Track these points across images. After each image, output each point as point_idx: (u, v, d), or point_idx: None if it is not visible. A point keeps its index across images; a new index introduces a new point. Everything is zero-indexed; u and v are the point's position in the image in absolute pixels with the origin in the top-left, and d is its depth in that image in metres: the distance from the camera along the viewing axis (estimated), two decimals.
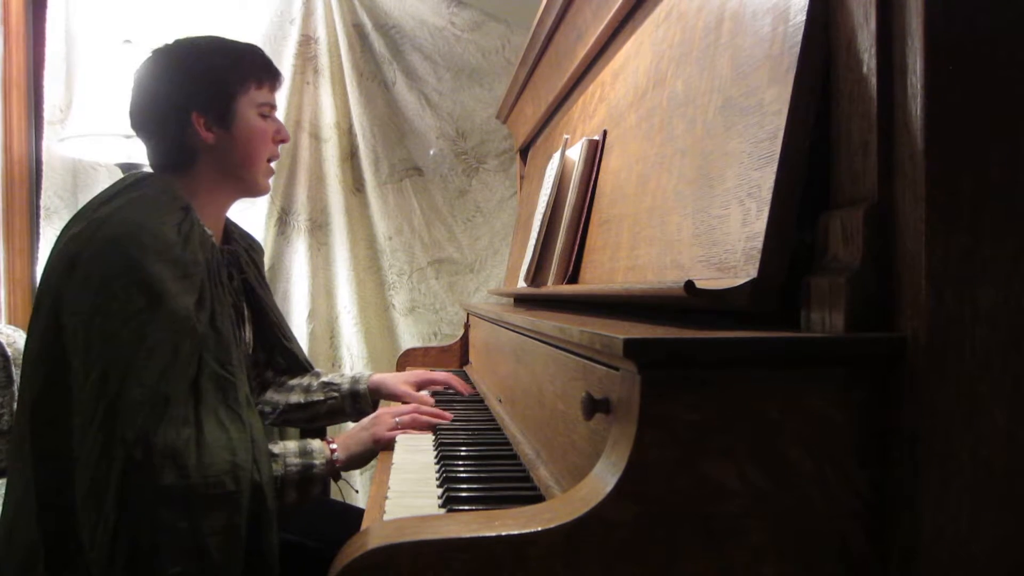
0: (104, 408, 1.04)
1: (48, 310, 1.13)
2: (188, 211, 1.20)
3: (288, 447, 1.23)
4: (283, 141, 1.37)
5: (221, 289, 1.23)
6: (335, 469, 1.26)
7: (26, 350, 1.17)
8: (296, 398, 1.58)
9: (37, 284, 1.23)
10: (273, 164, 1.39)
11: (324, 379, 1.62)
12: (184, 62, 1.29)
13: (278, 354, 1.58)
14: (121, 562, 1.03)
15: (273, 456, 1.19)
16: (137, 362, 1.06)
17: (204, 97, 1.27)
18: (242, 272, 1.42)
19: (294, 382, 1.61)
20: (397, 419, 1.34)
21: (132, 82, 1.32)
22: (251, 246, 1.51)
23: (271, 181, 1.40)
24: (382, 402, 1.66)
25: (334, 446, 1.27)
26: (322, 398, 1.58)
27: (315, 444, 1.25)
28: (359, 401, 1.59)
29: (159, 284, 1.09)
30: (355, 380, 1.62)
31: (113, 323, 1.07)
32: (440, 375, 1.74)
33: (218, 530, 1.05)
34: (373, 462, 1.32)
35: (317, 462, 1.22)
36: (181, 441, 1.05)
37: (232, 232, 1.45)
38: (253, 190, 1.36)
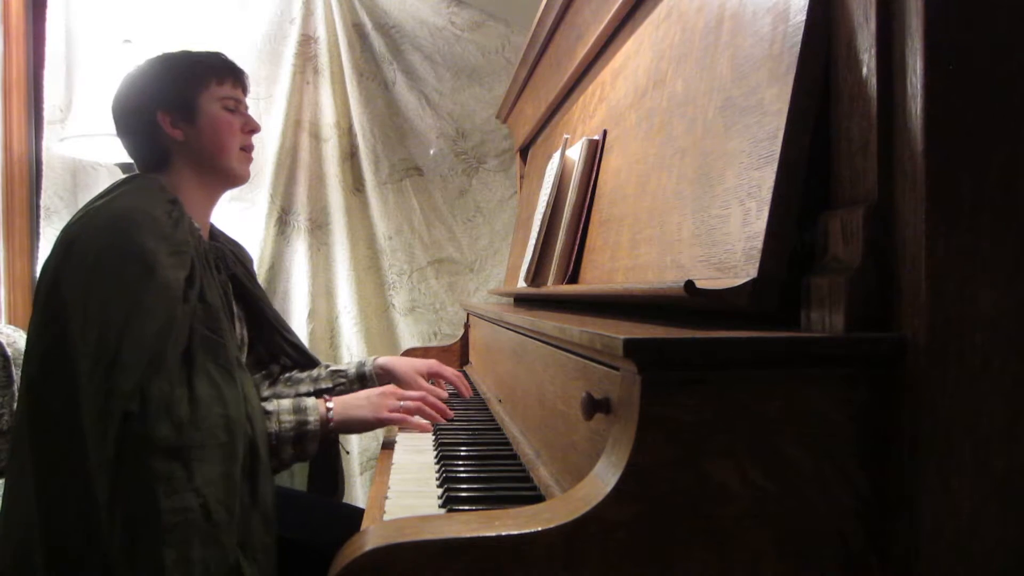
0: (103, 369, 1.07)
1: (47, 291, 1.17)
2: (176, 203, 1.25)
3: (282, 405, 1.27)
4: (253, 131, 1.41)
5: (210, 274, 1.26)
6: (329, 428, 1.30)
7: (28, 334, 1.20)
8: (305, 388, 1.60)
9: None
10: (252, 153, 1.41)
11: (332, 368, 1.64)
12: (148, 70, 1.36)
13: (282, 348, 1.60)
14: (121, 514, 1.04)
15: (267, 413, 1.23)
16: (132, 324, 1.09)
17: (166, 96, 1.33)
18: (229, 269, 1.45)
19: (303, 375, 1.62)
20: (402, 403, 1.36)
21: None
22: (238, 250, 1.54)
23: (251, 168, 1.42)
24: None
25: (330, 405, 1.31)
26: (331, 385, 1.60)
27: (309, 402, 1.30)
28: (367, 384, 1.61)
29: (152, 257, 1.14)
30: (361, 364, 1.64)
31: (108, 291, 1.11)
32: (449, 371, 1.72)
33: (213, 480, 1.07)
34: (372, 457, 1.32)
35: (311, 419, 1.28)
36: (175, 396, 1.08)
37: (218, 236, 1.49)
38: (231, 178, 1.39)
